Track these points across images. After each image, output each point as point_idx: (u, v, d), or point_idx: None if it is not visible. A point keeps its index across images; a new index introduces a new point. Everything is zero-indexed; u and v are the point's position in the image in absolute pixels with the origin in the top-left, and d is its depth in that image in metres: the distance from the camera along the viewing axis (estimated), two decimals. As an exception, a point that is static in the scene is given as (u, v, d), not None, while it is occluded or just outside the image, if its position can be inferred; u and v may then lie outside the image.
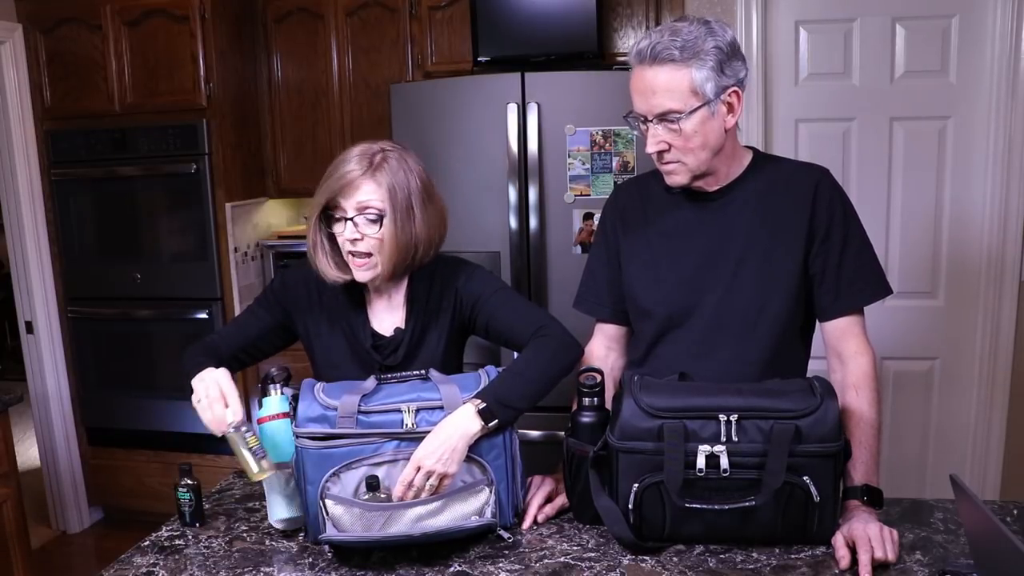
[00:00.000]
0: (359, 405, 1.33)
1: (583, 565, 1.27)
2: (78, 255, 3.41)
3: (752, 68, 2.58)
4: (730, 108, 1.39)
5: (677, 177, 1.43)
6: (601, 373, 1.43)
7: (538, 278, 2.70)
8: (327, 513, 1.30)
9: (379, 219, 1.44)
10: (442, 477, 1.31)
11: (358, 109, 3.30)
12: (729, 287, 1.45)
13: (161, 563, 1.32)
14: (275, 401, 1.42)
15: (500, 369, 1.45)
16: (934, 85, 2.64)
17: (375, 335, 1.54)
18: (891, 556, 1.22)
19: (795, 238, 1.44)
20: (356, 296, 1.55)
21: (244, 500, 1.57)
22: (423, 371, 1.43)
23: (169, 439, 3.40)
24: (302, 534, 1.39)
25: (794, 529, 1.28)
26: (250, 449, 1.31)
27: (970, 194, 2.66)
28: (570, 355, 1.48)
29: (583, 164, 2.62)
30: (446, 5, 3.11)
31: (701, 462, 1.25)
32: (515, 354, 1.55)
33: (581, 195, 2.64)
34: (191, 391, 1.39)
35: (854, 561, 1.22)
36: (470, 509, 1.34)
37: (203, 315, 3.28)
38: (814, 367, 1.52)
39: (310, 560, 1.32)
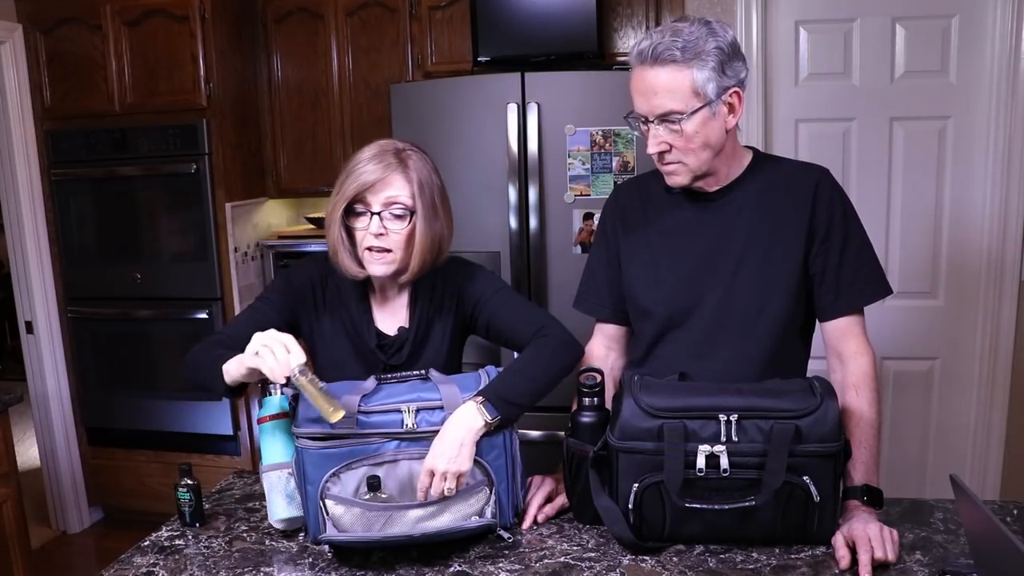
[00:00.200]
0: (359, 405, 1.33)
1: (583, 565, 1.27)
2: (78, 255, 3.41)
3: (752, 68, 2.58)
4: (731, 109, 1.39)
5: (678, 178, 1.43)
6: (601, 373, 1.43)
7: (538, 278, 2.70)
8: (327, 513, 1.30)
9: (404, 215, 1.44)
10: (458, 476, 1.31)
11: (358, 109, 3.30)
12: (729, 287, 1.45)
13: (161, 563, 1.32)
14: (275, 401, 1.42)
15: (500, 369, 1.45)
16: (934, 85, 2.64)
17: (380, 334, 1.54)
18: (891, 556, 1.22)
19: (795, 238, 1.44)
20: (360, 295, 1.55)
21: (244, 500, 1.57)
22: (423, 371, 1.43)
23: (169, 439, 3.40)
24: (302, 534, 1.39)
25: (794, 529, 1.28)
26: (321, 389, 1.27)
27: (970, 194, 2.66)
28: (571, 354, 1.49)
29: (583, 164, 2.62)
30: (446, 5, 3.11)
31: (701, 462, 1.25)
32: (515, 354, 1.55)
33: (581, 195, 2.64)
34: (223, 389, 1.36)
35: (854, 561, 1.22)
36: (470, 509, 1.34)
37: (203, 315, 3.28)
38: (814, 367, 1.52)
39: (310, 560, 1.32)
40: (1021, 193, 2.59)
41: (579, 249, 2.66)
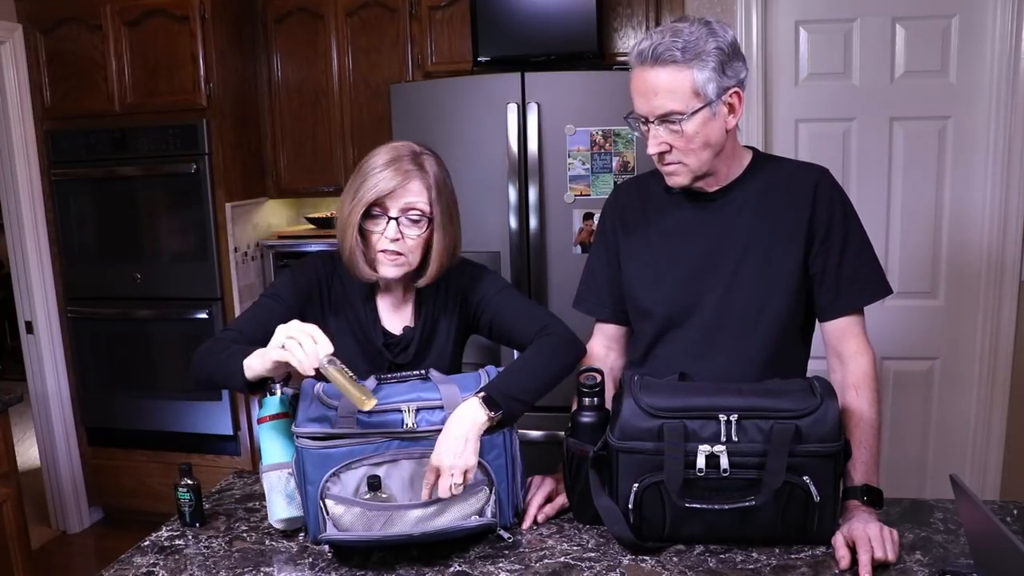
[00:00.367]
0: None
1: (583, 565, 1.27)
2: (78, 255, 3.41)
3: (752, 68, 2.59)
4: (731, 109, 1.38)
5: (678, 178, 1.43)
6: (601, 373, 1.43)
7: (538, 278, 2.70)
8: (327, 513, 1.30)
9: (421, 220, 1.44)
10: (464, 472, 1.30)
11: (358, 109, 3.30)
12: (729, 287, 1.45)
13: (161, 563, 1.32)
14: (275, 401, 1.42)
15: (500, 369, 1.45)
16: (934, 85, 2.64)
17: (386, 333, 1.55)
18: (891, 556, 1.22)
19: (795, 238, 1.44)
20: (366, 294, 1.54)
21: (244, 500, 1.57)
22: (423, 371, 1.43)
23: (169, 439, 3.40)
24: (302, 534, 1.39)
25: (794, 529, 1.28)
26: (351, 378, 1.24)
27: (970, 194, 2.66)
28: (573, 352, 1.49)
29: (583, 164, 2.62)
30: (446, 5, 3.12)
31: (701, 462, 1.25)
32: (515, 353, 1.55)
33: (581, 195, 2.64)
34: (243, 385, 1.31)
35: (854, 561, 1.22)
36: (470, 509, 1.34)
37: (203, 315, 3.28)
38: (814, 367, 1.52)
39: (310, 560, 1.32)
40: (1021, 193, 2.59)
41: (579, 249, 2.66)
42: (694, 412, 1.27)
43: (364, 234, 1.45)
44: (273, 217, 3.62)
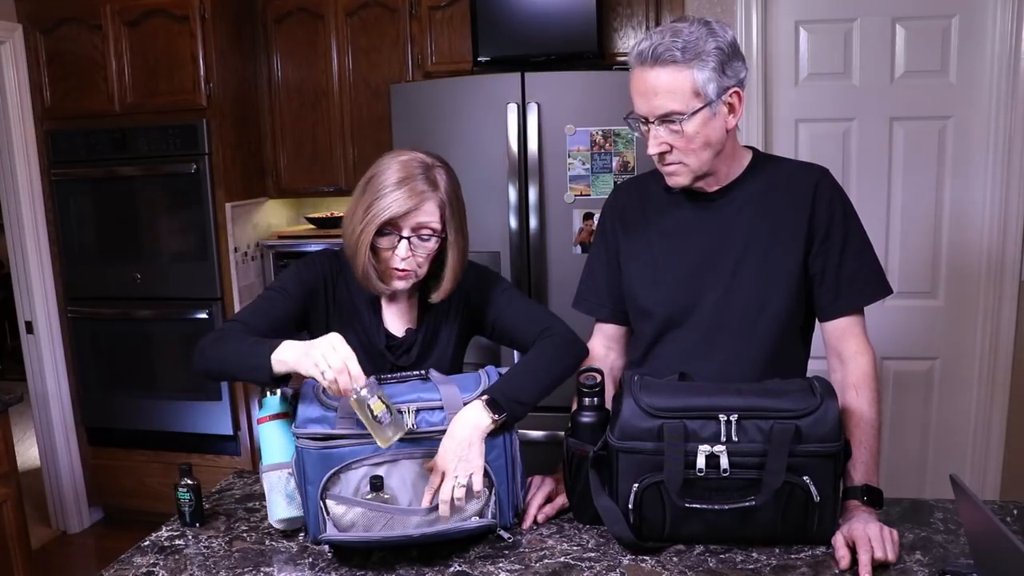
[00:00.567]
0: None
1: (583, 565, 1.27)
2: (78, 255, 3.41)
3: (752, 68, 2.59)
4: (731, 109, 1.38)
5: (679, 178, 1.43)
6: (601, 373, 1.43)
7: (538, 278, 2.70)
8: (328, 513, 1.30)
9: (432, 237, 1.43)
10: (470, 476, 1.30)
11: (358, 109, 3.30)
12: (729, 287, 1.45)
13: (161, 563, 1.32)
14: (275, 401, 1.42)
15: (500, 369, 1.45)
16: (934, 85, 2.64)
17: (388, 335, 1.54)
18: (891, 556, 1.22)
19: (795, 238, 1.44)
20: (370, 296, 1.54)
21: (244, 500, 1.57)
22: (423, 371, 1.43)
23: (169, 439, 3.40)
24: (302, 534, 1.39)
25: (794, 529, 1.28)
26: (375, 418, 1.24)
27: (970, 194, 2.66)
28: (575, 353, 1.49)
29: (583, 164, 2.62)
30: (446, 5, 3.12)
31: (701, 462, 1.25)
32: (515, 354, 1.55)
33: (581, 195, 2.64)
34: (270, 378, 1.29)
35: (854, 561, 1.22)
36: (470, 509, 1.34)
37: (203, 315, 3.28)
38: (814, 367, 1.52)
39: (310, 560, 1.32)
40: (1021, 193, 2.59)
41: (579, 249, 2.66)
42: (694, 412, 1.27)
43: (374, 249, 1.44)
44: (273, 217, 3.62)
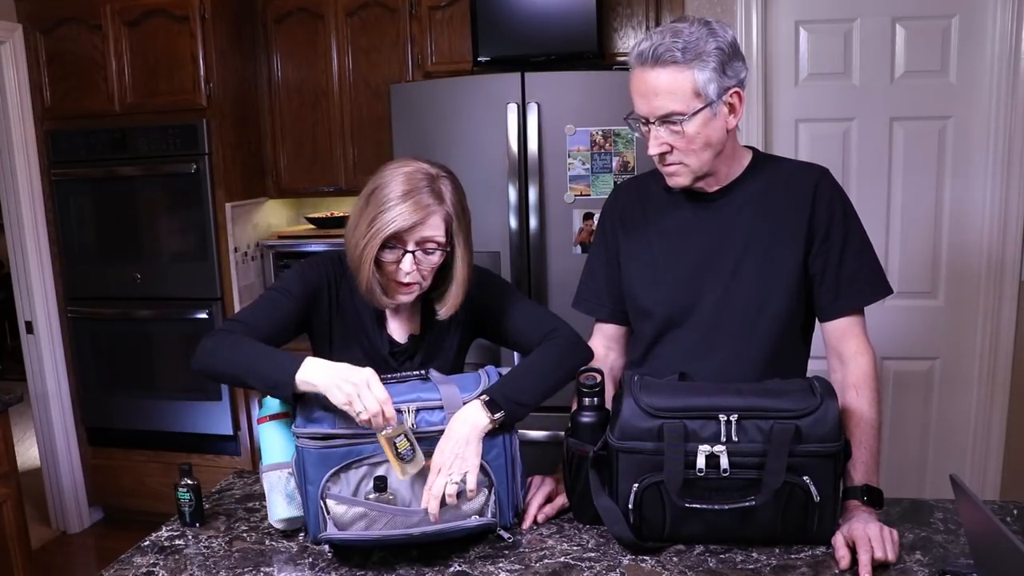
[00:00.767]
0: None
1: (583, 565, 1.27)
2: (78, 255, 3.41)
3: (752, 68, 2.59)
4: (732, 109, 1.38)
5: (679, 179, 1.43)
6: (601, 373, 1.43)
7: (538, 278, 2.70)
8: (328, 512, 1.30)
9: (437, 250, 1.41)
10: (465, 475, 1.30)
11: (358, 109, 3.30)
12: (728, 287, 1.45)
13: (161, 563, 1.32)
14: (275, 401, 1.42)
15: (500, 369, 1.45)
16: (934, 85, 2.64)
17: (392, 342, 1.53)
18: (891, 556, 1.22)
19: (795, 238, 1.44)
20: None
21: (244, 500, 1.57)
22: (423, 371, 1.43)
23: (169, 439, 3.40)
24: (302, 534, 1.39)
25: (794, 529, 1.28)
26: (398, 454, 1.27)
27: (970, 194, 2.66)
28: (579, 356, 1.48)
29: (583, 164, 2.62)
30: (446, 5, 3.12)
31: (701, 462, 1.25)
32: (515, 355, 1.55)
33: (581, 195, 2.64)
34: (291, 394, 1.29)
35: (854, 561, 1.22)
36: (470, 509, 1.34)
37: (203, 315, 3.28)
38: (814, 367, 1.52)
39: (310, 560, 1.32)
40: (1021, 193, 2.59)
41: (579, 249, 2.66)
42: (694, 412, 1.27)
43: (377, 263, 1.41)
44: (273, 217, 3.62)
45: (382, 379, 1.39)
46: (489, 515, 1.35)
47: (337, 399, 1.25)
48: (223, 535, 1.42)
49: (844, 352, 1.45)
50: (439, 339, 1.55)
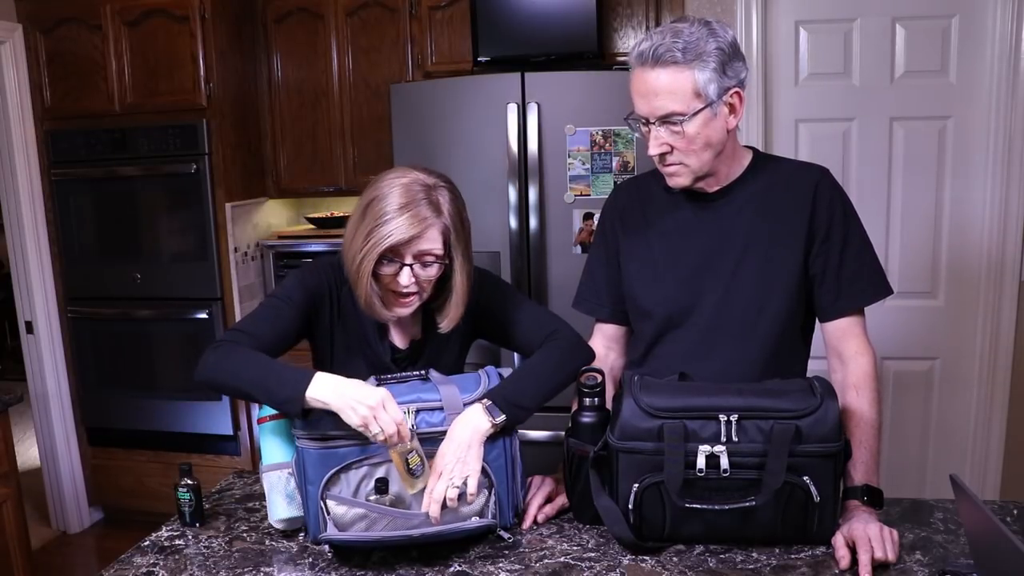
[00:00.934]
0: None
1: (583, 565, 1.27)
2: (78, 255, 3.41)
3: (752, 68, 2.58)
4: (732, 109, 1.38)
5: (679, 179, 1.43)
6: (601, 373, 1.43)
7: (538, 278, 2.70)
8: (328, 513, 1.30)
9: (436, 263, 1.40)
10: (466, 479, 1.30)
11: (358, 109, 3.30)
12: (728, 287, 1.45)
13: (161, 563, 1.32)
14: (275, 401, 1.42)
15: (500, 370, 1.44)
16: (934, 85, 2.64)
17: (394, 348, 1.53)
18: (891, 556, 1.22)
19: (795, 238, 1.44)
20: None
21: (244, 500, 1.57)
22: (423, 371, 1.43)
23: (169, 439, 3.40)
24: (302, 534, 1.39)
25: (794, 529, 1.28)
26: (409, 470, 1.28)
27: (970, 194, 2.66)
28: (580, 358, 1.47)
29: (583, 164, 2.62)
30: (446, 5, 3.12)
31: (701, 462, 1.25)
32: (516, 356, 1.54)
33: (581, 195, 2.64)
34: (300, 413, 1.28)
35: (854, 561, 1.22)
36: (470, 511, 1.34)
37: (203, 315, 3.28)
38: (814, 367, 1.52)
39: (310, 560, 1.32)
40: (1021, 193, 2.59)
41: (579, 249, 2.66)
42: (694, 412, 1.27)
43: (375, 275, 1.40)
44: (273, 217, 3.62)
45: (382, 379, 1.40)
46: (489, 516, 1.35)
47: (352, 421, 1.25)
48: (223, 535, 1.42)
49: (844, 352, 1.45)
50: (441, 343, 1.54)
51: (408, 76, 3.19)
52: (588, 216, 2.64)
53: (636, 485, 1.28)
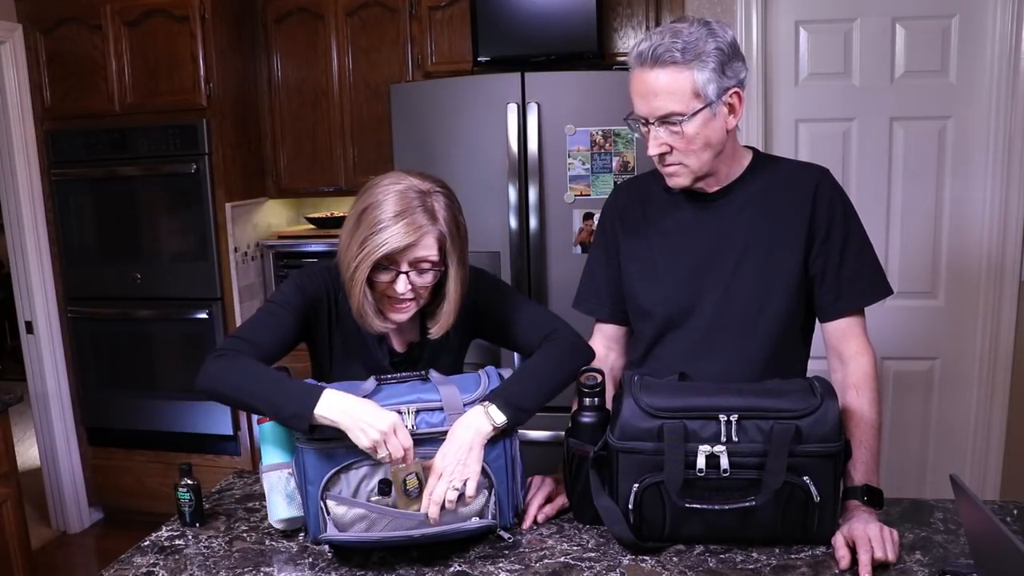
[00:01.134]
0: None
1: (583, 565, 1.27)
2: (78, 255, 3.41)
3: (752, 68, 2.59)
4: (731, 109, 1.38)
5: (679, 179, 1.43)
6: (601, 373, 1.43)
7: (538, 278, 2.70)
8: (328, 513, 1.30)
9: (432, 269, 1.39)
10: (465, 481, 1.30)
11: (358, 109, 3.30)
12: (728, 287, 1.45)
13: (161, 563, 1.32)
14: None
15: (500, 370, 1.44)
16: (934, 85, 2.64)
17: (392, 352, 1.53)
18: (891, 556, 1.22)
19: (795, 238, 1.44)
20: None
21: (244, 500, 1.57)
22: (423, 372, 1.43)
23: (169, 439, 3.40)
24: (302, 534, 1.39)
25: (794, 529, 1.28)
26: (405, 490, 1.29)
27: (970, 194, 2.66)
28: (581, 358, 1.47)
29: (583, 164, 2.62)
30: (446, 5, 3.12)
31: (701, 462, 1.25)
32: (516, 356, 1.54)
33: (581, 195, 2.64)
34: (307, 429, 1.27)
35: (854, 561, 1.22)
36: (470, 511, 1.34)
37: (203, 315, 3.28)
38: (814, 367, 1.52)
39: (310, 560, 1.32)
40: (1021, 193, 2.59)
41: (579, 249, 2.66)
42: (694, 412, 1.27)
43: (370, 282, 1.38)
44: (273, 217, 3.62)
45: (382, 379, 1.40)
46: (489, 516, 1.35)
47: (361, 442, 1.25)
48: (223, 535, 1.42)
49: (844, 352, 1.45)
50: (439, 345, 1.53)
51: (408, 76, 3.19)
52: (588, 216, 2.64)
53: (636, 485, 1.28)
